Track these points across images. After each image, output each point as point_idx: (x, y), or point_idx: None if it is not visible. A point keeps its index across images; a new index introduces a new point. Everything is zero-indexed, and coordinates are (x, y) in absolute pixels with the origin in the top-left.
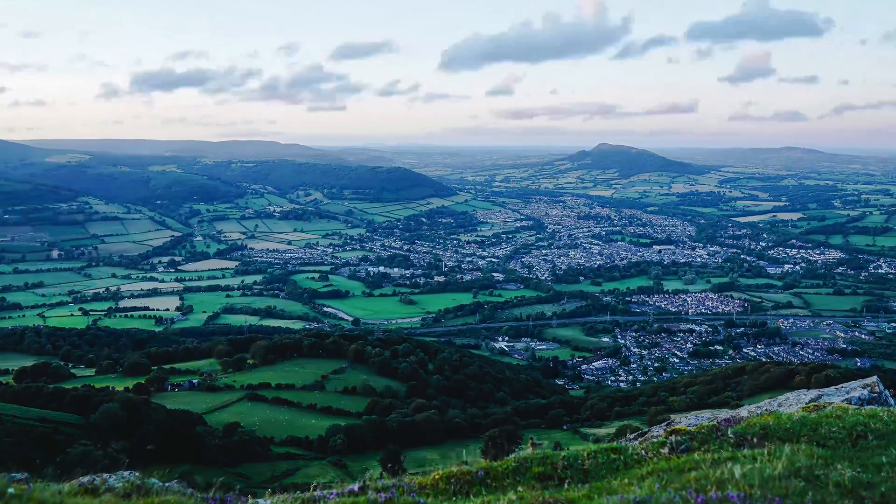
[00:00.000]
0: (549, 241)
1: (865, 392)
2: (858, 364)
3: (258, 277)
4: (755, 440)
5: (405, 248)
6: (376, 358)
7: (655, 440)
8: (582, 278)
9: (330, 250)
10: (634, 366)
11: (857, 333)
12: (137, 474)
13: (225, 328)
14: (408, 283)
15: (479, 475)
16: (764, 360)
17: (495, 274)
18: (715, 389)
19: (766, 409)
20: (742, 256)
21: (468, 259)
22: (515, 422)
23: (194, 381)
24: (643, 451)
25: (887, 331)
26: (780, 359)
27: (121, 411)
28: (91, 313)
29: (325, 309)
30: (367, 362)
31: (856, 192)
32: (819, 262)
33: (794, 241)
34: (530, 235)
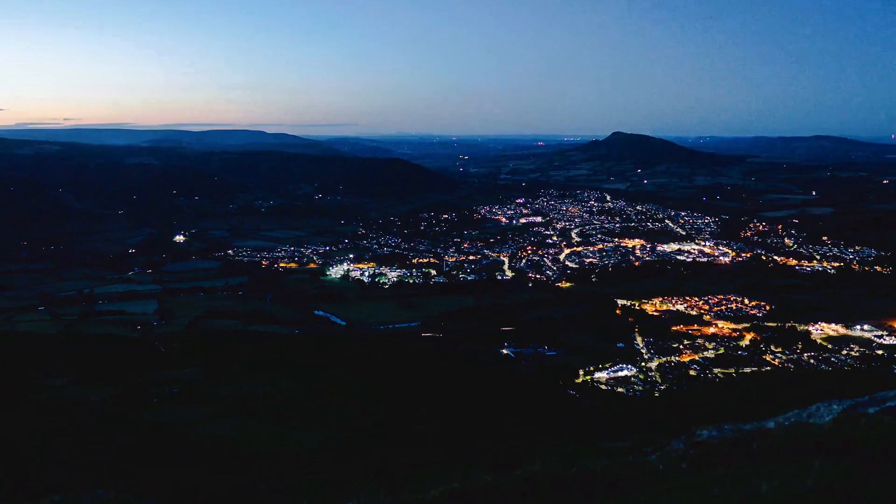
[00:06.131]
0: (559, 238)
1: None
2: None
3: (244, 279)
4: (783, 454)
5: (403, 246)
6: (372, 365)
7: (674, 454)
8: (595, 279)
9: (322, 249)
10: (651, 373)
11: (894, 338)
12: (113, 492)
13: (208, 333)
14: (406, 284)
15: (483, 492)
16: (792, 367)
17: (500, 274)
18: (738, 399)
19: (794, 421)
20: (769, 255)
21: (471, 258)
22: (523, 435)
23: (175, 390)
24: (661, 466)
25: None
26: (810, 365)
27: (96, 423)
28: (63, 318)
29: (316, 312)
30: (363, 370)
31: (893, 185)
32: (853, 260)
33: (825, 237)
34: (538, 232)
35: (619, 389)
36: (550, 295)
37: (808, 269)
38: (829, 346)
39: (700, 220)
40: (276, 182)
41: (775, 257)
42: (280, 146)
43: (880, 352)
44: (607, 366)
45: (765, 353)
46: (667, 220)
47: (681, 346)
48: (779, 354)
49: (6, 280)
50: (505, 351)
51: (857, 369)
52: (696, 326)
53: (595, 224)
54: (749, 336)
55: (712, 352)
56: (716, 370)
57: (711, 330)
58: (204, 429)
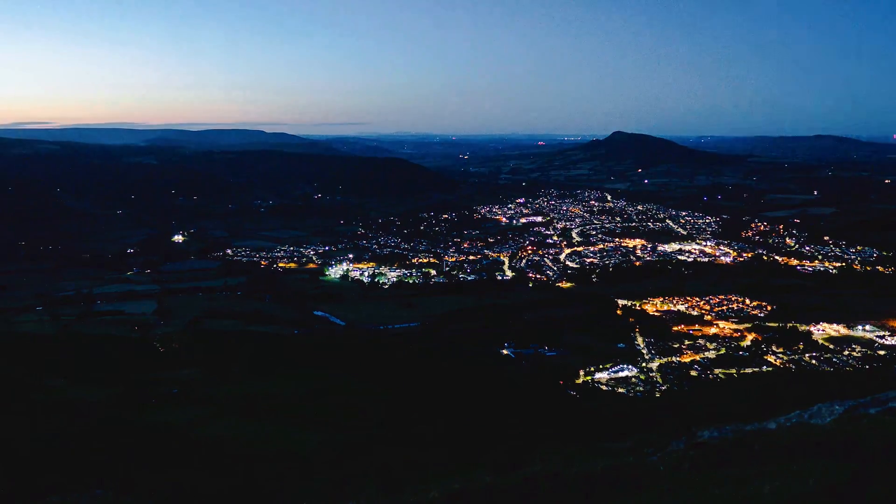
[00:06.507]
0: (560, 238)
1: None
2: None
3: (243, 279)
4: (784, 455)
5: (403, 246)
6: (372, 365)
7: (676, 455)
8: (595, 279)
9: (321, 249)
10: (652, 374)
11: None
12: (111, 493)
13: (207, 334)
14: (406, 284)
15: (484, 492)
16: (793, 367)
17: (500, 274)
18: (740, 399)
19: (795, 421)
20: (770, 255)
21: (471, 258)
22: (524, 435)
23: (174, 390)
24: (662, 467)
25: None
26: (812, 366)
27: (95, 423)
28: (62, 318)
29: (315, 312)
30: (363, 370)
31: (895, 184)
32: (854, 260)
33: (826, 237)
34: (539, 232)
35: (620, 390)
36: (551, 295)
37: (810, 269)
38: (831, 346)
39: (701, 220)
40: (276, 182)
41: (777, 257)
42: (279, 146)
43: (882, 352)
44: (608, 366)
45: (766, 353)
46: (667, 220)
47: (682, 347)
48: (780, 355)
49: (4, 280)
50: (505, 351)
51: (858, 370)
52: (697, 327)
53: (595, 224)
54: (750, 336)
55: (713, 352)
56: (717, 370)
57: (712, 330)
58: (204, 429)
